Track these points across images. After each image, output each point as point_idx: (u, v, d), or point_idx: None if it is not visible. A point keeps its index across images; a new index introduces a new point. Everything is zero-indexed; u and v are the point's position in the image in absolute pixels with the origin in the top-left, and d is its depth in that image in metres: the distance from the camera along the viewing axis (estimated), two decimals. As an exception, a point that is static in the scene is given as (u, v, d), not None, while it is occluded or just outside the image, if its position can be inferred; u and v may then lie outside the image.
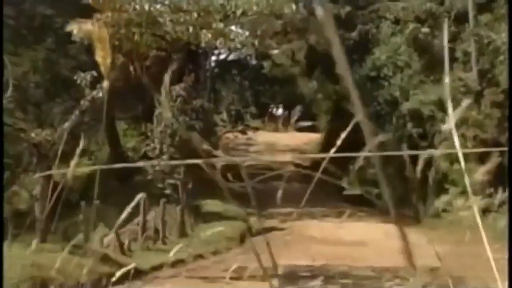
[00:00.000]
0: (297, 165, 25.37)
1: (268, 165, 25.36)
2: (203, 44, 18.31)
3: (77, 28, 17.34)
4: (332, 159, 1.94)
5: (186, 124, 18.10)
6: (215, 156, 1.71)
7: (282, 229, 16.29)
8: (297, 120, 37.78)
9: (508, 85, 15.93)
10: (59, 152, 2.64)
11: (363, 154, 1.68)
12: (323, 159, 1.91)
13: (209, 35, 17.79)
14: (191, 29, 17.79)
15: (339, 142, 1.81)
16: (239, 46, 18.91)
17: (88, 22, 17.39)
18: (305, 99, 32.92)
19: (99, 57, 16.51)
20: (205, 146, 1.65)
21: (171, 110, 18.14)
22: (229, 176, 1.79)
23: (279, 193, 1.76)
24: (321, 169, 1.91)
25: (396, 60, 21.89)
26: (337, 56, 0.94)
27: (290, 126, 38.05)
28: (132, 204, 1.82)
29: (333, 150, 1.78)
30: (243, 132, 35.12)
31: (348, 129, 1.87)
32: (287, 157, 26.10)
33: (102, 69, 16.60)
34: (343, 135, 1.88)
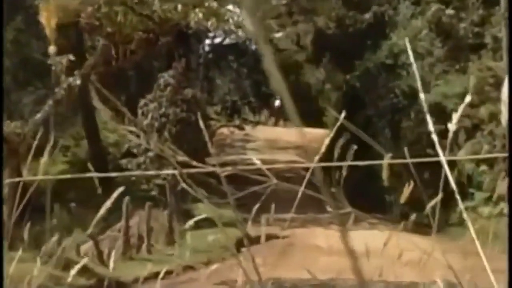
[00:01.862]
0: (301, 164, 25.38)
1: (269, 164, 25.39)
2: (192, 25, 18.22)
3: None
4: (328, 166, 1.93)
5: (176, 116, 18.12)
6: (192, 166, 1.72)
7: (282, 237, 16.32)
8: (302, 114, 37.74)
9: (508, 86, 16.03)
10: (33, 147, 2.63)
11: (349, 163, 1.69)
12: (327, 157, 1.91)
13: (200, 15, 17.71)
14: (180, 7, 17.73)
15: (323, 148, 1.81)
16: (233, 27, 18.84)
17: None
18: (312, 90, 32.92)
19: (43, 17, 16.10)
20: (180, 158, 1.66)
21: (159, 100, 18.17)
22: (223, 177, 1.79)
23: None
24: (305, 181, 1.91)
25: (416, 46, 21.88)
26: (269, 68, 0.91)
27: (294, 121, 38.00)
28: (112, 199, 1.80)
29: (317, 157, 1.78)
30: (240, 127, 35.14)
31: (335, 129, 1.87)
32: (280, 160, 26.20)
33: (47, 31, 16.21)
34: (327, 140, 1.87)
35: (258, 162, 1.74)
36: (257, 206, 1.95)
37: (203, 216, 1.95)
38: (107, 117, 21.36)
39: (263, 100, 38.73)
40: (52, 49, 15.84)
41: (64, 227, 14.20)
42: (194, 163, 1.68)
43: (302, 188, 1.85)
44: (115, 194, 1.79)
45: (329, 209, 1.96)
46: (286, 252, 14.48)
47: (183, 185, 1.68)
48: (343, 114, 1.41)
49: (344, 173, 1.98)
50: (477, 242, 1.71)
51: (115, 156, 21.83)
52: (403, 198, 2.08)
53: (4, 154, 14.46)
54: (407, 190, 2.02)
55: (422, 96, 1.65)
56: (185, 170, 1.68)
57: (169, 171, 1.62)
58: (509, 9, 16.83)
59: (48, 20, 15.44)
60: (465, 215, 1.72)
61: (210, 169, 1.72)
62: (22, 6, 20.41)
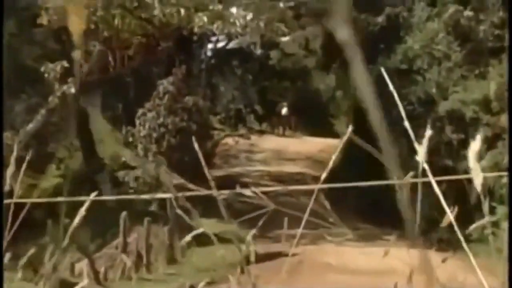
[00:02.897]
0: (311, 176, 25.37)
1: (276, 177, 25.39)
2: (196, 29, 18.33)
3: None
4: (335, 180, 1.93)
5: (175, 126, 18.15)
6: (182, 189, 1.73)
7: (291, 254, 16.28)
8: (311, 123, 37.82)
9: (508, 91, 16.03)
10: (27, 159, 2.64)
11: (358, 184, 1.70)
12: (335, 170, 1.91)
13: (205, 18, 17.82)
14: (183, 11, 17.83)
15: (331, 162, 1.81)
16: (240, 31, 18.92)
17: None
18: (322, 97, 32.95)
19: (72, 25, 16.29)
20: (175, 181, 1.68)
21: (157, 109, 18.21)
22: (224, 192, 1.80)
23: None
24: (312, 199, 1.92)
25: (433, 50, 21.89)
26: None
27: (302, 130, 38.06)
28: (87, 203, 1.79)
29: (324, 175, 1.78)
30: (246, 136, 35.16)
31: (344, 138, 1.87)
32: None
33: (75, 38, 16.38)
34: (336, 152, 1.88)
35: (256, 190, 1.74)
36: (253, 231, 1.96)
37: (200, 230, 1.95)
38: (104, 132, 21.45)
39: (270, 108, 38.74)
40: (77, 54, 15.94)
41: (58, 245, 14.21)
42: (191, 186, 1.69)
43: (306, 214, 1.85)
44: (88, 200, 1.77)
45: (329, 239, 1.95)
46: (295, 270, 14.45)
47: (178, 211, 1.69)
48: (350, 128, 1.41)
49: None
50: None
51: (112, 168, 21.85)
52: (444, 223, 2.06)
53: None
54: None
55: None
56: (181, 194, 1.68)
57: (164, 195, 1.63)
58: (509, 9, 16.85)
59: (78, 25, 15.58)
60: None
61: (207, 192, 1.72)
62: (15, 9, 20.51)
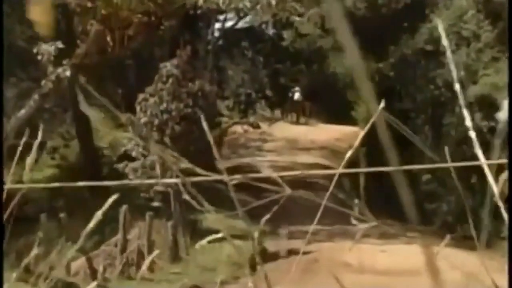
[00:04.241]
0: (327, 167, 25.35)
1: (289, 168, 25.36)
2: (201, 3, 18.26)
3: None
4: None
5: (179, 113, 18.17)
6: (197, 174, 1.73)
7: (306, 252, 16.32)
8: (327, 109, 37.75)
9: (508, 89, 16.01)
10: (19, 148, 2.64)
11: (381, 169, 1.67)
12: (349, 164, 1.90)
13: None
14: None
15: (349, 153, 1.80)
16: (249, 7, 18.87)
17: None
18: (339, 81, 32.82)
19: (34, 14, 16.31)
20: (183, 165, 1.67)
21: (160, 94, 18.22)
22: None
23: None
24: (329, 191, 1.90)
25: (461, 30, 21.79)
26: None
27: (318, 117, 38.03)
28: (104, 208, 1.81)
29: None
30: (256, 124, 35.17)
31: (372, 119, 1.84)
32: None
33: (40, 29, 16.41)
34: (362, 133, 1.85)
35: (272, 174, 1.73)
36: (265, 217, 1.94)
37: (219, 235, 1.95)
38: (97, 121, 21.48)
39: (282, 93, 38.70)
40: (45, 47, 15.92)
41: (52, 241, 14.28)
42: (199, 170, 1.68)
43: (325, 200, 1.84)
44: (107, 204, 1.79)
45: (354, 222, 1.94)
46: (309, 270, 14.47)
47: (186, 196, 1.68)
48: (382, 104, 1.39)
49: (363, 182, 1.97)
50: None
51: (110, 159, 21.93)
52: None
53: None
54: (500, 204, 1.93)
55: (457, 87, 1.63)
56: (188, 179, 1.68)
57: (171, 180, 1.63)
58: (509, 9, 16.81)
59: (42, 14, 15.54)
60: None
61: (217, 177, 1.72)
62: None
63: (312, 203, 1.96)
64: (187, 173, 1.73)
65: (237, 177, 1.73)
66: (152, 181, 7.86)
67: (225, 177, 1.65)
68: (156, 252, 10.86)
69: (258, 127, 34.99)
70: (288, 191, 1.72)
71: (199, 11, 22.16)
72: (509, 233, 1.71)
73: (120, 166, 18.26)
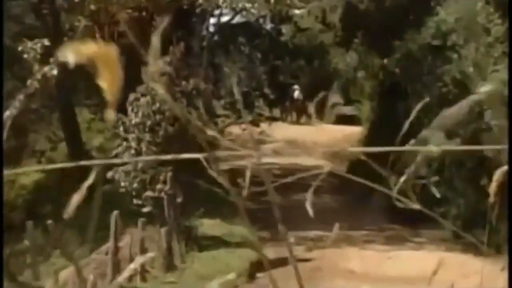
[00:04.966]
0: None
1: (289, 170, 25.35)
2: (201, 2, 18.32)
3: (73, 53, 17.35)
4: (378, 159, 1.92)
5: (173, 113, 18.17)
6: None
7: (308, 259, 16.32)
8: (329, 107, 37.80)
9: (508, 89, 16.07)
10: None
11: (423, 148, 1.66)
12: (362, 160, 1.90)
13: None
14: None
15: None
16: (247, 3, 18.91)
17: (88, 43, 17.44)
18: (341, 78, 32.90)
19: (104, 81, 16.44)
20: (210, 132, 1.64)
21: (152, 94, 18.21)
22: (240, 182, 1.78)
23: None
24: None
25: (469, 23, 21.79)
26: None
27: (319, 116, 38.07)
28: (90, 179, 1.67)
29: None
30: (254, 124, 35.16)
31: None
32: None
33: (108, 96, 16.55)
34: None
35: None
36: (311, 190, 1.79)
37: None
38: (86, 122, 21.48)
39: (281, 91, 38.73)
40: (110, 115, 15.94)
41: (40, 250, 14.29)
42: (224, 141, 1.65)
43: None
44: (91, 177, 1.67)
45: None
46: (311, 278, 14.48)
47: (211, 171, 1.64)
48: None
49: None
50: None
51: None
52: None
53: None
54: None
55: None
56: (213, 153, 1.65)
57: (195, 155, 1.59)
58: (509, 8, 16.87)
59: (111, 83, 15.67)
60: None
61: (243, 152, 1.70)
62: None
63: (319, 206, 1.96)
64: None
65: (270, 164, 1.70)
66: (168, 157, 7.60)
67: (254, 153, 1.62)
68: (149, 254, 10.83)
69: (256, 126, 35.00)
70: (327, 168, 1.71)
71: (198, 10, 22.19)
72: (509, 233, 1.72)
73: (109, 173, 18.20)
